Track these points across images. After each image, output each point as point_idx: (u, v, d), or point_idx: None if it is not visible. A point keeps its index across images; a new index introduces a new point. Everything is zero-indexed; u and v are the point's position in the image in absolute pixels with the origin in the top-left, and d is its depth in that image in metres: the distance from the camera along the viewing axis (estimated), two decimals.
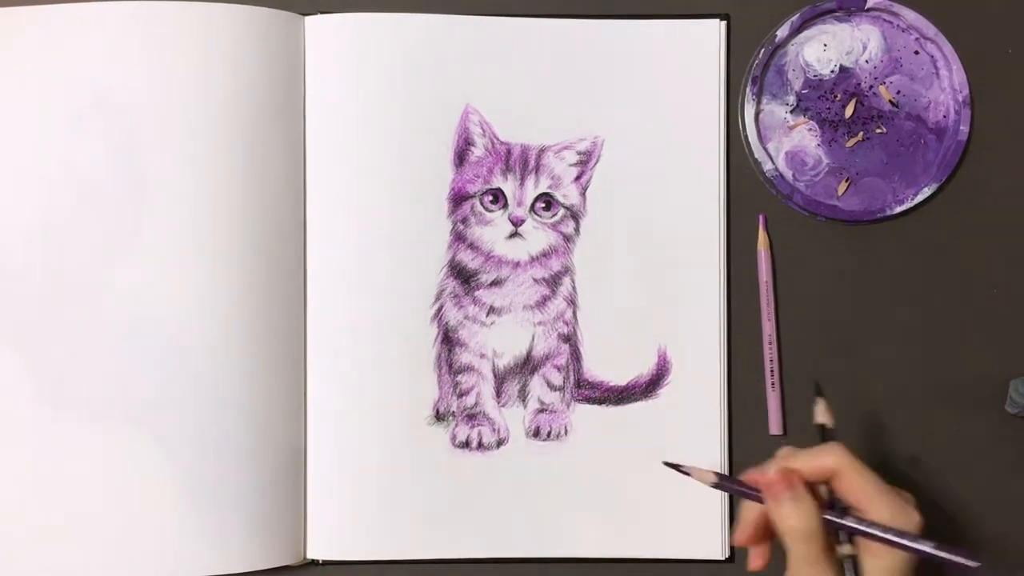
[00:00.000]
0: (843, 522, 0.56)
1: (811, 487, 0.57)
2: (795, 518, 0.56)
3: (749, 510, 0.59)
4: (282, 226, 0.67)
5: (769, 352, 0.68)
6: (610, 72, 0.68)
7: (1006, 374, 0.68)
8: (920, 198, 0.68)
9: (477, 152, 0.68)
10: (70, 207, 0.66)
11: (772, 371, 0.68)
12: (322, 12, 0.68)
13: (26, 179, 0.67)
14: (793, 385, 0.69)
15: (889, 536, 0.55)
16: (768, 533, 0.59)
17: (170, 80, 0.66)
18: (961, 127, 0.68)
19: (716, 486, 0.60)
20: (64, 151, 0.66)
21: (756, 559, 0.60)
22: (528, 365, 0.69)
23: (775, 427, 0.68)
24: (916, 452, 0.69)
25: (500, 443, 0.68)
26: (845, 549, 0.57)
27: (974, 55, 0.68)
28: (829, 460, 0.57)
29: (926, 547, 0.54)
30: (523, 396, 0.69)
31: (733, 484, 0.60)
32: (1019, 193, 0.69)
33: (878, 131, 0.69)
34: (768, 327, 0.68)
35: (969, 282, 0.69)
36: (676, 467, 0.60)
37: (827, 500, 0.57)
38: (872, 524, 0.55)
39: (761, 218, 0.69)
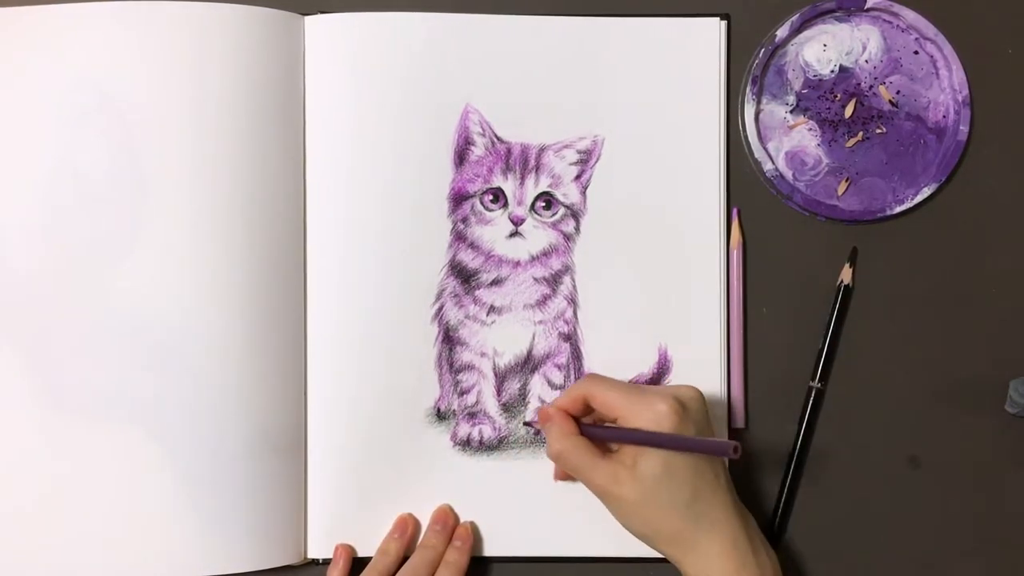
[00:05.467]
0: (593, 431, 0.62)
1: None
2: (549, 444, 0.62)
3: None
4: (282, 226, 0.67)
5: (737, 346, 0.69)
6: (610, 71, 0.68)
7: (1006, 374, 0.68)
8: (920, 198, 0.68)
9: (477, 151, 0.68)
10: (71, 207, 0.66)
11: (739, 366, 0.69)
12: (322, 12, 0.68)
13: (27, 179, 0.67)
14: (793, 383, 0.69)
15: (638, 437, 0.59)
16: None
17: (170, 80, 0.66)
18: (961, 127, 0.68)
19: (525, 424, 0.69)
20: (64, 151, 0.66)
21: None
22: (529, 364, 0.69)
23: (739, 420, 0.68)
24: (916, 452, 0.69)
25: (501, 442, 0.68)
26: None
27: (974, 55, 0.68)
28: (579, 388, 0.63)
29: (682, 441, 0.59)
30: (524, 395, 0.69)
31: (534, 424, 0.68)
32: (1019, 193, 0.69)
33: (878, 131, 0.69)
34: (737, 325, 0.68)
35: (969, 282, 0.69)
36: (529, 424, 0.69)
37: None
38: (627, 430, 0.60)
39: (735, 211, 0.69)
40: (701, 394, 0.62)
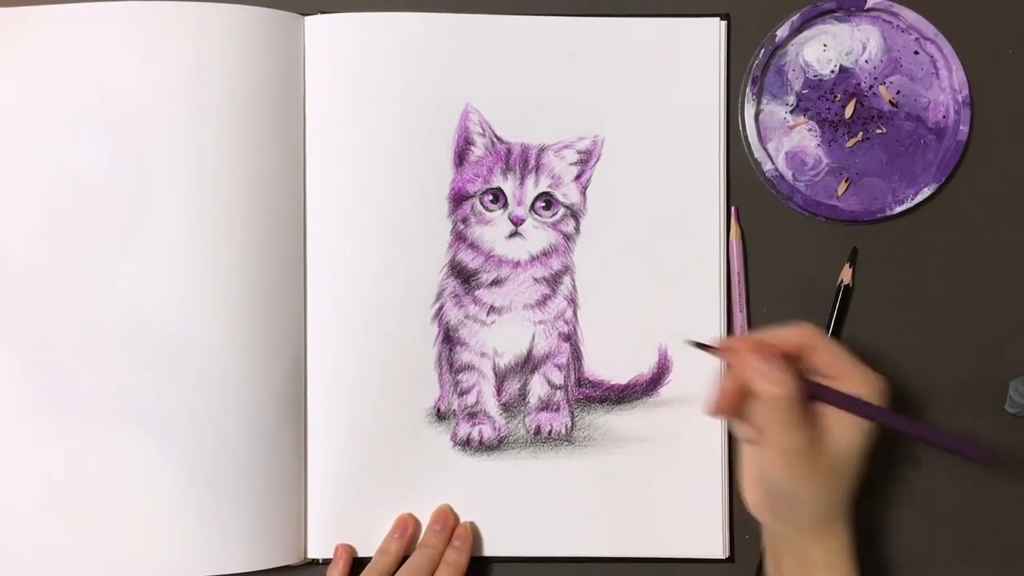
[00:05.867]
0: (827, 385, 0.57)
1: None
2: (777, 381, 0.56)
3: (730, 381, 0.58)
4: (282, 226, 0.67)
5: None
6: (610, 72, 0.68)
7: (1006, 374, 0.68)
8: (920, 198, 0.68)
9: (477, 152, 0.68)
10: (71, 206, 0.66)
11: None
12: (322, 12, 0.68)
13: (27, 178, 0.66)
14: None
15: (863, 406, 0.56)
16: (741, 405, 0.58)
17: (170, 80, 0.66)
18: (961, 127, 0.68)
19: (696, 345, 0.60)
20: (65, 151, 0.66)
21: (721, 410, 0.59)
22: (529, 364, 0.69)
23: None
24: (916, 452, 0.69)
25: (501, 442, 0.68)
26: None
27: (974, 55, 0.68)
28: (801, 334, 0.58)
29: (900, 420, 0.56)
30: (524, 395, 0.69)
31: (710, 349, 0.60)
32: (1019, 193, 0.69)
33: (878, 131, 0.69)
34: (740, 318, 0.68)
35: (969, 282, 0.69)
36: (701, 345, 0.60)
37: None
38: (849, 395, 0.57)
39: (734, 210, 0.69)
40: None
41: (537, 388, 0.69)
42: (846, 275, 0.68)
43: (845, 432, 0.57)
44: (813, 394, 0.57)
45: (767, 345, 0.57)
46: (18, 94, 0.67)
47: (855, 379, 0.57)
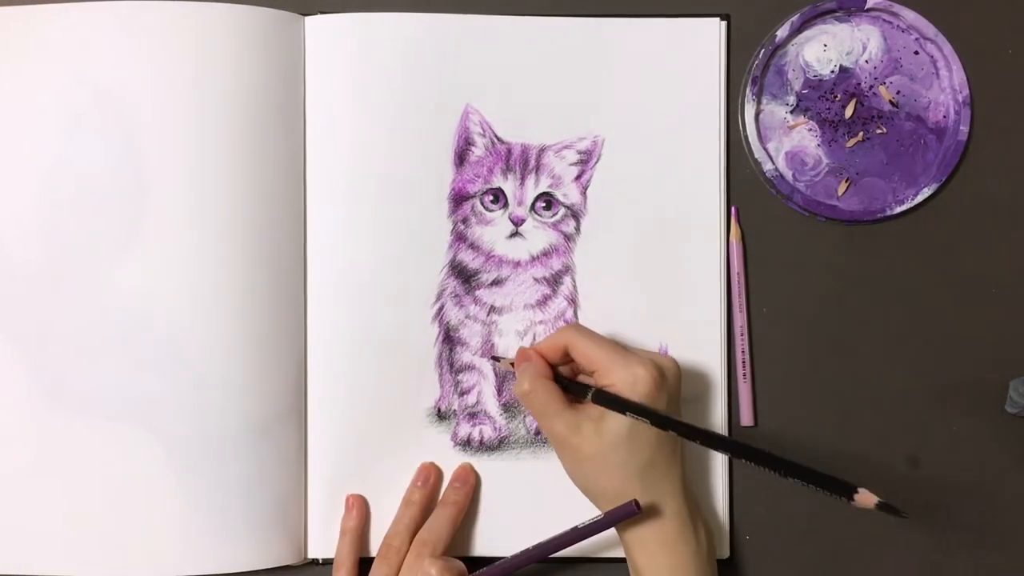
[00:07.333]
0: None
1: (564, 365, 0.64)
2: (520, 381, 0.62)
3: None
4: (282, 226, 0.67)
5: (741, 343, 0.68)
6: (610, 72, 0.68)
7: (1006, 374, 0.68)
8: (920, 198, 0.68)
9: (477, 152, 0.68)
10: (70, 206, 0.66)
11: (744, 362, 0.68)
12: (322, 12, 0.68)
13: (27, 178, 0.67)
14: (792, 383, 0.69)
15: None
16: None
17: (170, 79, 0.66)
18: (961, 127, 0.68)
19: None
20: (64, 150, 0.66)
21: None
22: None
23: (746, 418, 0.68)
24: (916, 452, 0.69)
25: (501, 442, 0.68)
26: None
27: (974, 55, 0.68)
28: (563, 335, 0.63)
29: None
30: None
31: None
32: (1019, 193, 0.69)
33: (878, 131, 0.69)
34: (740, 319, 0.68)
35: (969, 282, 0.69)
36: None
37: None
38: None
39: (734, 210, 0.69)
40: (679, 367, 0.63)
41: None
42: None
43: (607, 420, 0.60)
44: (565, 388, 0.62)
45: (533, 351, 0.64)
46: (17, 92, 0.67)
47: (609, 372, 0.61)
